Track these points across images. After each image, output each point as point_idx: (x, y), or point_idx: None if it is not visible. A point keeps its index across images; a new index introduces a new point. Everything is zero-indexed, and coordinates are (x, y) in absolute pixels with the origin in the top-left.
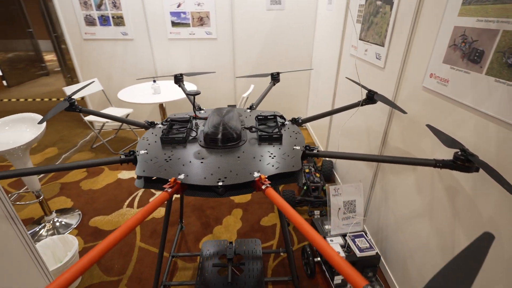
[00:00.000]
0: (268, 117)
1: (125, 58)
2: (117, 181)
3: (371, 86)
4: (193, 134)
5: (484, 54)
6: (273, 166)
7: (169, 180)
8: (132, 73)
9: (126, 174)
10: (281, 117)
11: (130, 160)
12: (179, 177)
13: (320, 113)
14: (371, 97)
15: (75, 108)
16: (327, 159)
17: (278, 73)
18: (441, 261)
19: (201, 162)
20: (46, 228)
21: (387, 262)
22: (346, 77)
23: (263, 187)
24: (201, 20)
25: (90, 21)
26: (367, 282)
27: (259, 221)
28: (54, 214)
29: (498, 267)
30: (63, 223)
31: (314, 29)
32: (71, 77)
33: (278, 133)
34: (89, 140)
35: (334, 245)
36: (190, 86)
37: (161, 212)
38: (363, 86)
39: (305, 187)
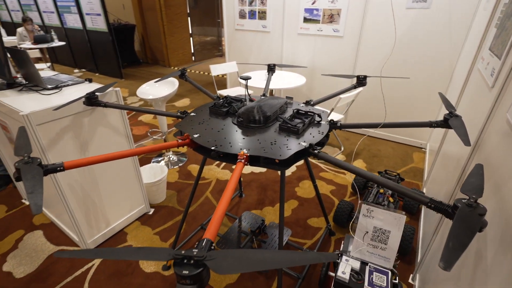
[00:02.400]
0: (308, 113)
1: (260, 48)
2: None
3: (476, 109)
4: (235, 111)
5: None
6: (264, 150)
7: (185, 134)
8: (262, 61)
9: None
10: (319, 115)
11: (182, 117)
12: (194, 135)
13: (366, 122)
14: (447, 120)
15: (184, 77)
16: (424, 190)
17: (365, 77)
18: None
19: (218, 131)
20: (164, 160)
21: None
22: (439, 93)
23: (237, 160)
24: (331, 17)
25: (242, 15)
26: (212, 239)
27: (307, 219)
28: (170, 153)
29: None
30: (174, 160)
31: (466, 34)
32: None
33: (298, 126)
34: None
35: (345, 265)
36: (300, 79)
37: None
38: (448, 105)
39: None
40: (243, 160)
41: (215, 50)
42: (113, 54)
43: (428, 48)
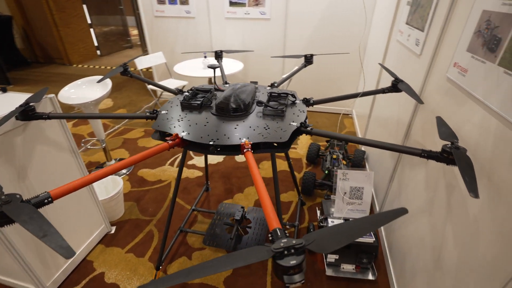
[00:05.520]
0: (281, 94)
1: (186, 35)
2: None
3: (406, 74)
4: (208, 102)
5: (500, 42)
6: (262, 136)
7: (173, 134)
8: (191, 49)
9: None
10: (293, 95)
11: (153, 117)
12: (182, 134)
13: (335, 96)
14: (395, 85)
15: (128, 73)
16: (362, 148)
17: (311, 55)
18: (430, 258)
19: (204, 125)
20: None
21: (390, 255)
22: (379, 63)
23: (245, 150)
24: (257, 0)
25: (161, 0)
26: (280, 226)
27: None
28: (113, 161)
29: (474, 264)
30: None
31: (373, 11)
32: (148, 51)
33: (282, 109)
34: (151, 107)
35: None
36: (238, 64)
37: (194, 174)
38: (391, 73)
39: (326, 172)
40: (250, 149)
41: (121, 42)
42: None
43: (344, 25)
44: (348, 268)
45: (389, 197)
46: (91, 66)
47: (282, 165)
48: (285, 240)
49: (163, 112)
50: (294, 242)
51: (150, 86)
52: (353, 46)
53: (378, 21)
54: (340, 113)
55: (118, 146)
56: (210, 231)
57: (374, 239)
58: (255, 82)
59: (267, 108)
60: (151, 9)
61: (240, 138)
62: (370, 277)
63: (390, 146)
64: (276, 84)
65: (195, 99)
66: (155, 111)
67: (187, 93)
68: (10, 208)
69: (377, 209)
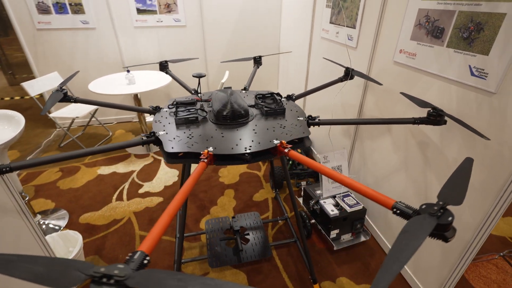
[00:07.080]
0: (266, 95)
1: (87, 49)
2: (97, 177)
3: (344, 64)
4: (203, 114)
5: (444, 31)
6: (287, 134)
7: (202, 152)
8: (96, 65)
9: (106, 170)
10: (278, 94)
11: (151, 141)
12: (210, 149)
13: (308, 90)
14: (349, 73)
15: (69, 98)
16: None
17: (260, 57)
18: (417, 203)
19: (222, 137)
20: None
21: (369, 216)
22: (324, 58)
23: (286, 150)
24: (168, 7)
25: (43, 9)
26: (395, 201)
27: (252, 198)
28: (38, 216)
29: None
30: (50, 225)
31: (280, 14)
32: (13, 74)
33: (282, 107)
34: (54, 139)
35: (328, 206)
36: (159, 74)
37: (153, 201)
38: (340, 64)
39: (290, 162)
40: (290, 148)
41: None
42: None
43: (257, 28)
44: (347, 237)
45: (351, 170)
46: None
47: (241, 168)
48: (424, 206)
49: (162, 133)
50: (441, 203)
51: (52, 115)
52: (271, 48)
53: (289, 23)
54: None
55: (31, 197)
56: (212, 252)
57: (362, 205)
58: (229, 88)
59: (267, 108)
60: (31, 21)
61: (270, 141)
62: (363, 238)
63: (389, 121)
64: (247, 88)
65: (189, 113)
66: (152, 133)
67: (166, 109)
68: (138, 281)
69: None
